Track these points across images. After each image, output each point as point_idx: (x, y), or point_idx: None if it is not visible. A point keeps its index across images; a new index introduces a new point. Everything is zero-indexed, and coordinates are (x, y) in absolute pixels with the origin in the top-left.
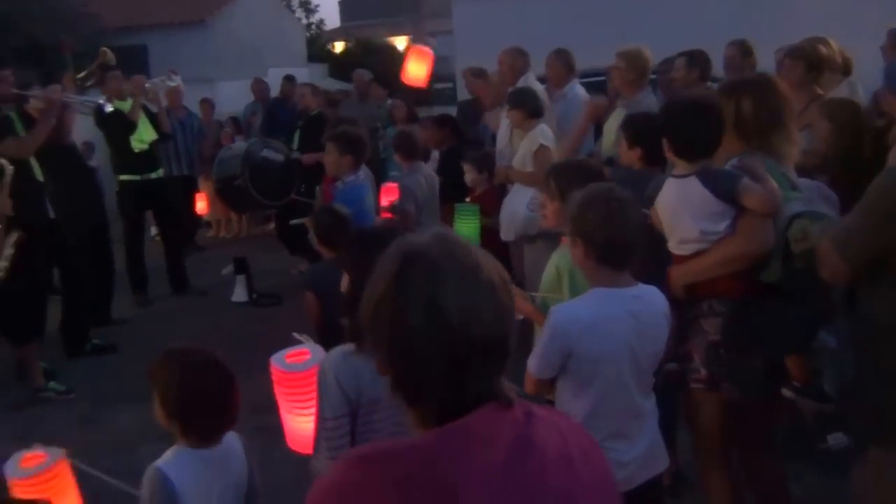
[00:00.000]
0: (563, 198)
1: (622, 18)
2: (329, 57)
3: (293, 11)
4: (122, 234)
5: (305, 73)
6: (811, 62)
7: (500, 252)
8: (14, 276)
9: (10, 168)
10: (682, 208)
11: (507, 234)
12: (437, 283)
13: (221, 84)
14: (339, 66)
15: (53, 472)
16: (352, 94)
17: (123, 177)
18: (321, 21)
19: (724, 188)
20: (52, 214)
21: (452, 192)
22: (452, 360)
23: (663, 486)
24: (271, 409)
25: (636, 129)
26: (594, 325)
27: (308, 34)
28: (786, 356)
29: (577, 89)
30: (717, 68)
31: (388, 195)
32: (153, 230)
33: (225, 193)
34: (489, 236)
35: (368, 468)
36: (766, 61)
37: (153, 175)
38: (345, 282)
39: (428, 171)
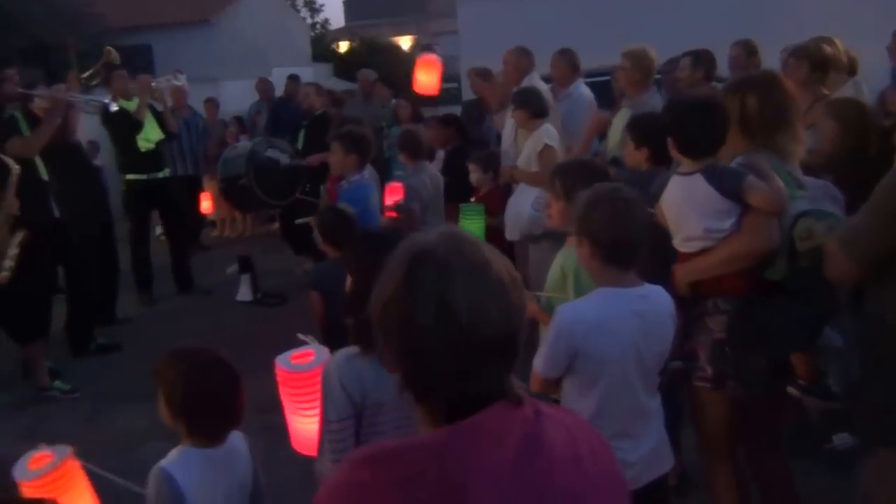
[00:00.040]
0: (568, 197)
1: (627, 18)
2: (334, 57)
3: (298, 11)
4: (127, 233)
5: (310, 73)
6: (815, 62)
7: (505, 252)
8: (19, 275)
9: (16, 168)
10: (687, 206)
11: (511, 233)
12: (447, 280)
13: (226, 83)
14: (344, 66)
15: (61, 471)
16: (356, 94)
17: (130, 176)
18: (326, 21)
19: (729, 186)
20: (57, 214)
21: (457, 191)
22: (462, 357)
23: (669, 485)
24: (276, 408)
25: (642, 129)
26: (600, 324)
27: (313, 34)
28: (791, 354)
29: (582, 89)
30: (722, 68)
31: (393, 195)
32: (158, 230)
33: (229, 193)
34: (494, 236)
35: (376, 467)
36: (771, 61)
37: (160, 174)
38: (349, 281)
39: (433, 171)
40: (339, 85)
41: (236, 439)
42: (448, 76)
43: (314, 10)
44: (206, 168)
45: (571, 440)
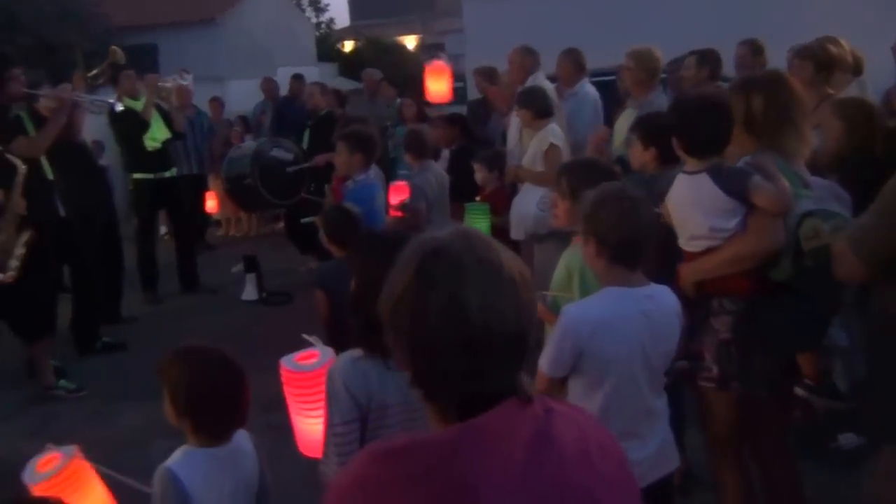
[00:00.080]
0: (574, 197)
1: (632, 17)
2: (339, 56)
3: (303, 10)
4: (133, 232)
5: (315, 73)
6: (820, 62)
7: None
8: (25, 274)
9: (23, 168)
10: (692, 205)
11: (516, 233)
12: (459, 278)
13: (231, 83)
14: (349, 66)
15: (70, 471)
16: (362, 94)
17: (137, 175)
18: (331, 20)
19: (734, 185)
20: (62, 213)
21: (462, 191)
22: (473, 355)
23: (674, 485)
24: (281, 407)
25: (648, 129)
26: (606, 324)
27: (318, 33)
28: (797, 354)
29: (588, 88)
30: (728, 67)
31: (398, 194)
32: (162, 229)
33: (234, 192)
34: (499, 235)
35: (388, 463)
36: (777, 61)
37: (167, 174)
38: (353, 282)
39: (438, 170)
40: (344, 84)
41: (242, 438)
42: (453, 75)
43: (319, 10)
44: (211, 167)
45: (582, 437)
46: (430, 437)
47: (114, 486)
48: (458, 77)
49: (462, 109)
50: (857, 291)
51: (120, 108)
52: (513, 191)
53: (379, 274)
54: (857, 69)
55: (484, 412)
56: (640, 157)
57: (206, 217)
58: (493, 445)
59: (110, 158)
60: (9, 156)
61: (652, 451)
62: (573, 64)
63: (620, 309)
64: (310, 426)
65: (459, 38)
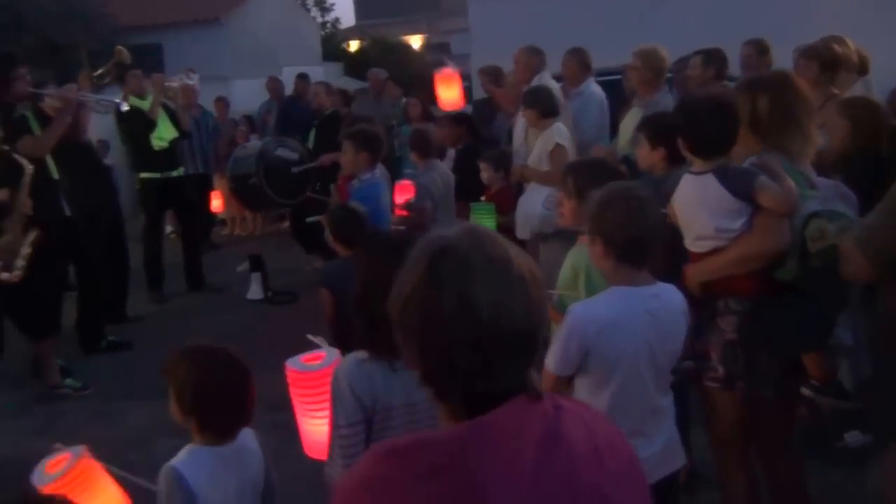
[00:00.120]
0: (580, 196)
1: (637, 17)
2: (344, 56)
3: (308, 10)
4: (139, 231)
5: (321, 72)
6: (825, 62)
7: None
8: (31, 273)
9: (30, 168)
10: (698, 205)
11: (522, 232)
12: (468, 276)
13: (236, 82)
14: (355, 65)
15: (78, 471)
16: (367, 93)
17: (144, 174)
18: (336, 20)
19: (740, 186)
20: (67, 212)
21: (468, 190)
22: (483, 354)
23: (680, 483)
24: (286, 406)
25: (656, 129)
26: (613, 323)
27: (323, 33)
28: (803, 355)
29: (594, 87)
30: (734, 67)
31: (404, 193)
32: (168, 228)
33: (240, 192)
34: (504, 235)
35: (397, 461)
36: (782, 60)
37: (174, 173)
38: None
39: (443, 169)
40: (349, 84)
41: (247, 437)
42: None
43: (325, 9)
44: (217, 167)
45: (591, 434)
46: (439, 434)
47: (119, 484)
48: (463, 77)
49: (468, 109)
50: (863, 291)
51: (125, 107)
52: (518, 190)
53: (383, 274)
54: (862, 68)
55: (494, 409)
56: (649, 156)
57: (211, 216)
58: (503, 443)
59: (115, 158)
60: (16, 156)
61: (658, 449)
62: (579, 63)
63: (626, 308)
64: (315, 427)
65: (465, 38)
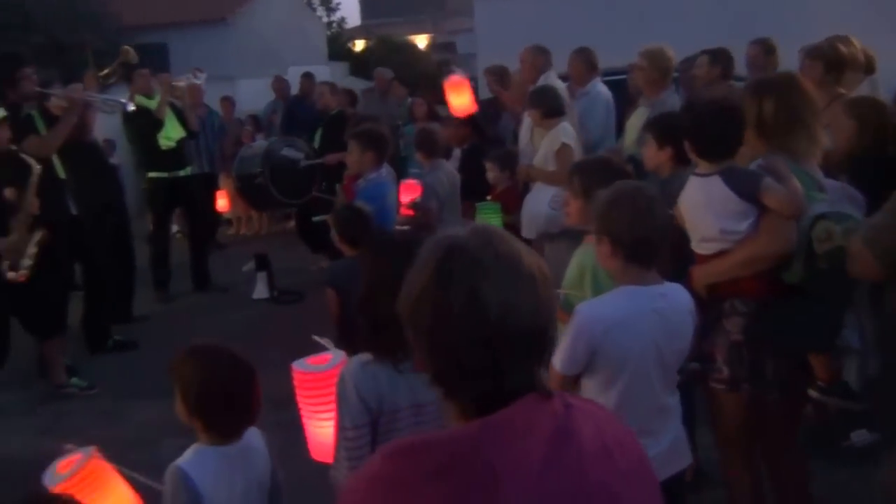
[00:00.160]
0: (586, 196)
1: (644, 17)
2: (350, 55)
3: (314, 9)
4: (145, 230)
5: (326, 72)
6: (830, 62)
7: None
8: (37, 273)
9: (38, 168)
10: (704, 207)
11: (528, 231)
12: (478, 275)
13: (242, 82)
14: (360, 65)
15: (87, 471)
16: (373, 93)
17: (152, 174)
18: (342, 19)
19: (746, 188)
20: (73, 211)
21: (473, 189)
22: (493, 352)
23: (685, 482)
24: (292, 405)
25: (663, 129)
26: (619, 323)
27: (329, 32)
28: (809, 356)
29: (600, 87)
30: (740, 67)
31: (409, 193)
32: (174, 227)
33: (246, 191)
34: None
35: (407, 459)
36: (789, 60)
37: (181, 172)
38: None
39: (449, 169)
40: (355, 83)
41: (253, 436)
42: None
43: (330, 9)
44: (223, 166)
45: (599, 432)
46: (449, 433)
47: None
48: (468, 77)
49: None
50: (870, 291)
51: (131, 107)
52: (524, 190)
53: (388, 274)
54: (868, 68)
55: (504, 408)
56: (655, 157)
57: (217, 216)
58: (513, 441)
59: (121, 157)
60: (23, 155)
61: (665, 447)
62: (585, 63)
63: (633, 307)
64: (321, 429)
65: (470, 38)
